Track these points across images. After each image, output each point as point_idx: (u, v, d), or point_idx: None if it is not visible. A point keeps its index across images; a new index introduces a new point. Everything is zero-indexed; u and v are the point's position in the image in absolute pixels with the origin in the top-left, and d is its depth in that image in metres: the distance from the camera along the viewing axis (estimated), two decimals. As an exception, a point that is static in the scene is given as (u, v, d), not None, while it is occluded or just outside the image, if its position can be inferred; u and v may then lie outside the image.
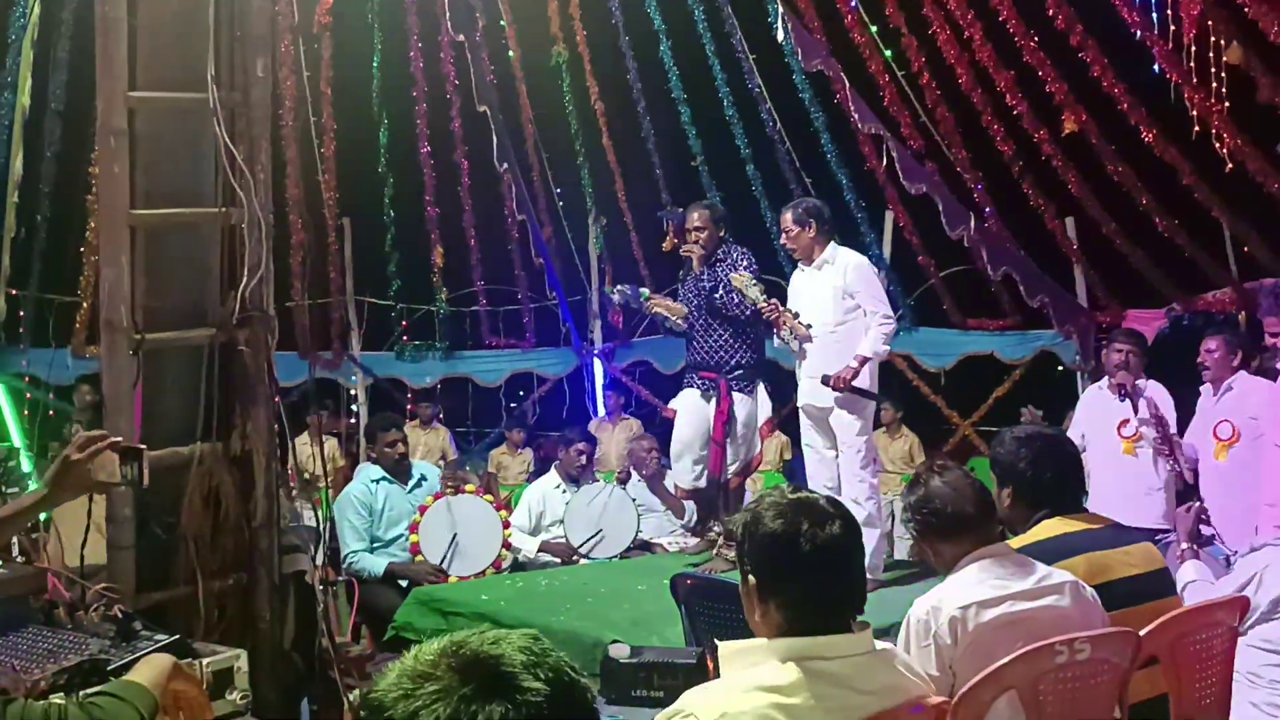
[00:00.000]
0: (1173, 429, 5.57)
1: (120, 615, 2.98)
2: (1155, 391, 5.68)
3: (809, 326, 5.21)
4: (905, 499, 3.02)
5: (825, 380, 5.12)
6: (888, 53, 9.26)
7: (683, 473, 5.80)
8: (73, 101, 9.07)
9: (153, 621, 3.13)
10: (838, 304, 5.23)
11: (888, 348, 5.25)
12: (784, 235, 5.36)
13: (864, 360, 5.10)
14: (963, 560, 2.83)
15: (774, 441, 9.66)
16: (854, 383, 5.07)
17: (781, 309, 5.25)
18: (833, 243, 5.38)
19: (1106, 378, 5.88)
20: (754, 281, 5.32)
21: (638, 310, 5.97)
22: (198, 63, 3.69)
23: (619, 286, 5.82)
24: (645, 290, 5.73)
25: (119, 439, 2.70)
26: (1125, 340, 5.86)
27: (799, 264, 5.45)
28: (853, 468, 5.24)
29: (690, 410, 5.71)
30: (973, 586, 2.75)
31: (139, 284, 3.70)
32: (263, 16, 3.88)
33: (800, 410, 5.46)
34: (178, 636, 2.91)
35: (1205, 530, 4.34)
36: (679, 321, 5.68)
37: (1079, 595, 2.81)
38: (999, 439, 3.41)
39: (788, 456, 9.35)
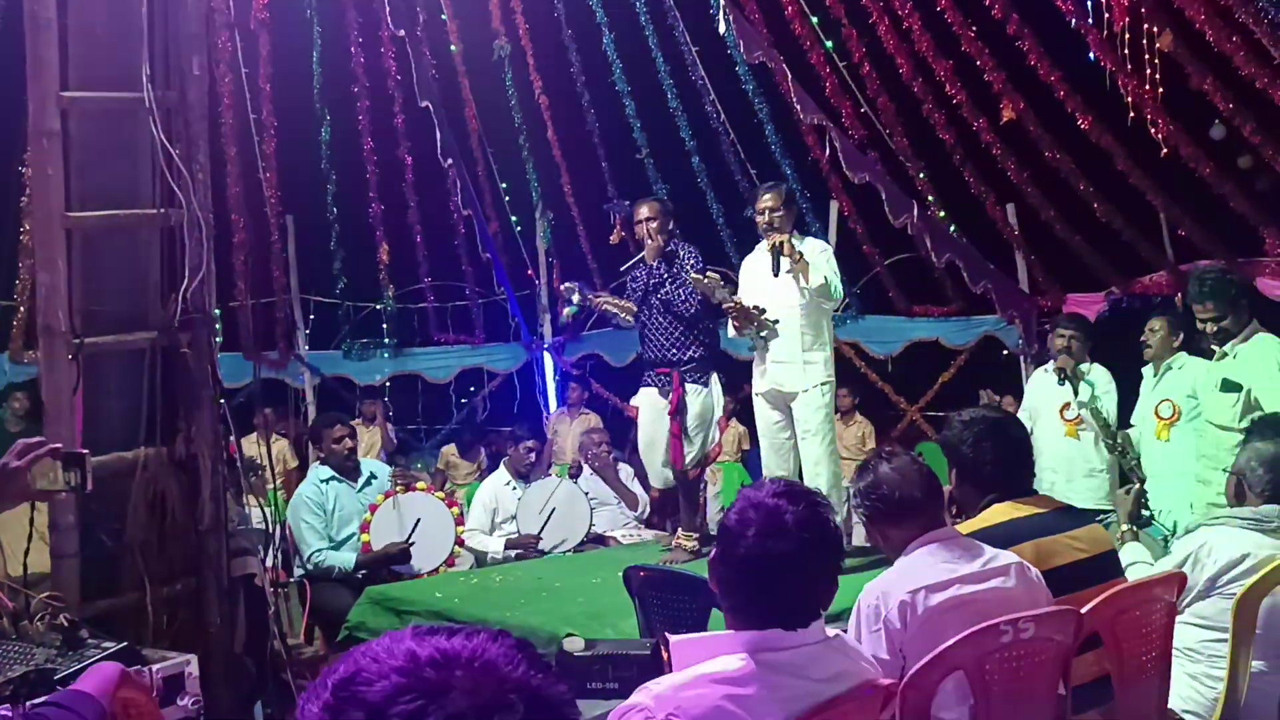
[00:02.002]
0: (1113, 412, 5.69)
1: (66, 624, 2.94)
2: (1098, 375, 5.80)
3: (776, 322, 5.23)
4: (854, 485, 3.05)
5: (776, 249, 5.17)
6: (828, 44, 9.33)
7: (654, 475, 5.81)
8: (4, 102, 8.87)
9: (100, 629, 3.09)
10: (801, 290, 5.26)
11: (816, 292, 5.21)
12: (769, 213, 5.31)
13: (805, 265, 5.15)
14: (911, 545, 2.87)
15: (731, 432, 9.71)
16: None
17: (747, 306, 5.23)
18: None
19: (1051, 361, 6.01)
20: (721, 283, 5.30)
21: (585, 308, 5.95)
22: (131, 62, 3.64)
23: (567, 286, 5.79)
24: (577, 299, 5.70)
25: (59, 445, 2.66)
26: (1068, 325, 5.99)
27: (764, 249, 5.42)
28: (815, 454, 5.27)
29: (650, 410, 5.67)
30: (920, 571, 2.79)
31: (77, 288, 3.66)
32: (197, 14, 3.84)
33: (759, 398, 5.47)
34: (125, 644, 2.88)
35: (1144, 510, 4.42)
36: (626, 318, 5.66)
37: (1024, 576, 2.87)
38: (948, 423, 3.46)
39: (745, 446, 9.40)
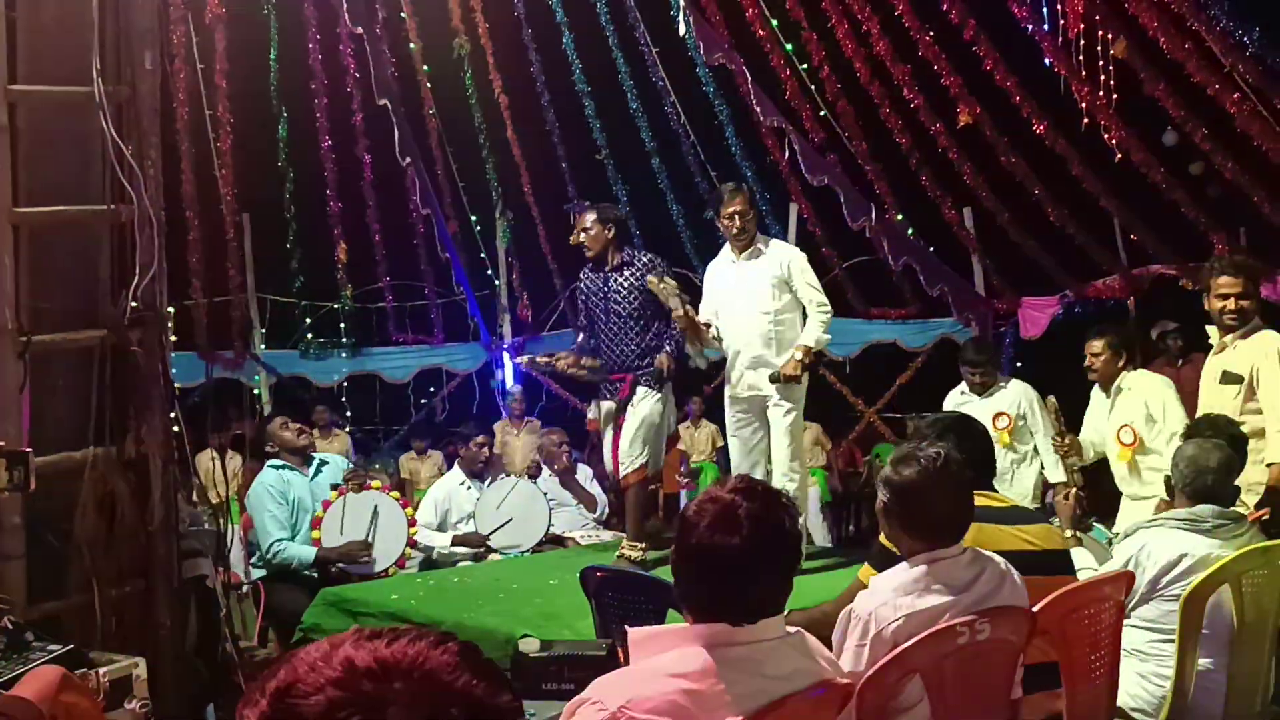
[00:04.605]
0: (1039, 420, 5.83)
1: (11, 626, 2.89)
2: (1019, 391, 5.95)
3: (720, 340, 5.26)
4: (888, 473, 2.85)
5: (774, 379, 5.20)
6: (788, 46, 9.37)
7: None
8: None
9: (47, 632, 3.04)
10: (774, 294, 5.29)
11: (829, 336, 5.38)
12: (737, 217, 5.31)
13: (808, 351, 5.22)
14: (916, 556, 2.75)
15: (705, 431, 9.75)
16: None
17: (695, 320, 5.23)
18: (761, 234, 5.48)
19: (964, 384, 6.17)
20: (678, 290, 5.27)
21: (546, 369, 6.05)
22: (82, 55, 3.59)
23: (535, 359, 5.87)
24: (542, 360, 5.78)
25: (1, 443, 2.61)
26: (973, 363, 6.14)
27: (729, 254, 5.43)
28: (782, 455, 5.30)
29: (608, 421, 5.64)
30: (922, 594, 2.68)
31: (24, 284, 3.60)
32: (149, 8, 3.80)
33: (731, 400, 5.46)
34: (72, 646, 2.83)
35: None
36: (589, 376, 5.67)
37: (1013, 589, 2.81)
38: (915, 427, 3.48)
39: (720, 444, 9.41)
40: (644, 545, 5.36)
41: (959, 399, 6.14)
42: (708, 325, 5.25)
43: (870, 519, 9.72)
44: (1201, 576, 3.33)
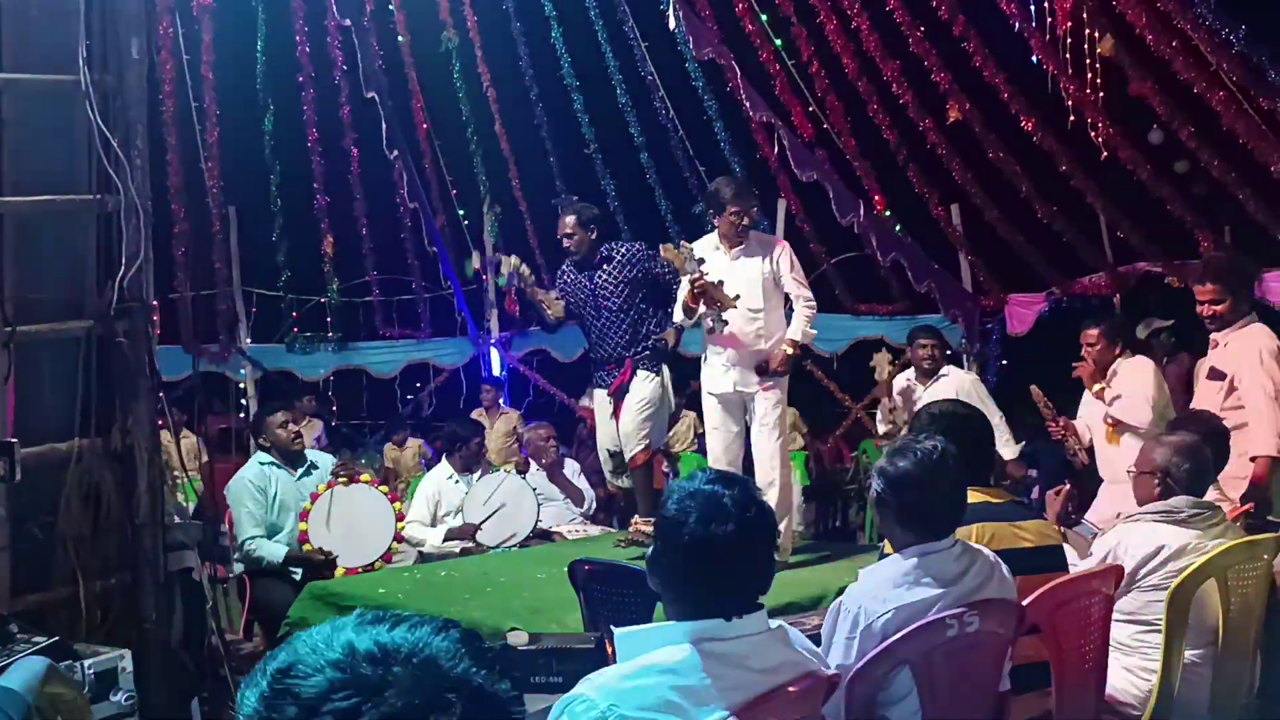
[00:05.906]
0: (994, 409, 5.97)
1: (-6, 619, 2.87)
2: (958, 379, 6.11)
3: (737, 297, 5.15)
4: (883, 464, 2.81)
5: (761, 370, 5.22)
6: (778, 42, 9.38)
7: (612, 475, 5.86)
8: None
9: (31, 624, 3.03)
10: (765, 289, 5.29)
11: (815, 330, 5.41)
12: (744, 213, 5.31)
13: (795, 344, 5.27)
14: (906, 548, 2.75)
15: (686, 421, 9.72)
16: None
17: (713, 281, 5.13)
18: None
19: (913, 369, 6.41)
20: (693, 254, 5.17)
21: (519, 286, 6.03)
22: (68, 43, 3.56)
23: (510, 260, 5.81)
24: (506, 269, 5.77)
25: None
26: (927, 336, 6.50)
27: (717, 245, 5.38)
28: (769, 449, 5.29)
29: (603, 409, 5.69)
30: (911, 587, 2.68)
31: (10, 274, 3.59)
32: (137, -4, 3.77)
33: (712, 397, 5.41)
34: (57, 639, 2.82)
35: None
36: (552, 314, 5.72)
37: (1001, 582, 2.82)
38: (918, 415, 3.49)
39: (700, 431, 9.39)
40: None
41: (904, 384, 6.45)
42: (721, 283, 5.14)
43: (857, 514, 9.76)
44: (1188, 571, 3.35)
